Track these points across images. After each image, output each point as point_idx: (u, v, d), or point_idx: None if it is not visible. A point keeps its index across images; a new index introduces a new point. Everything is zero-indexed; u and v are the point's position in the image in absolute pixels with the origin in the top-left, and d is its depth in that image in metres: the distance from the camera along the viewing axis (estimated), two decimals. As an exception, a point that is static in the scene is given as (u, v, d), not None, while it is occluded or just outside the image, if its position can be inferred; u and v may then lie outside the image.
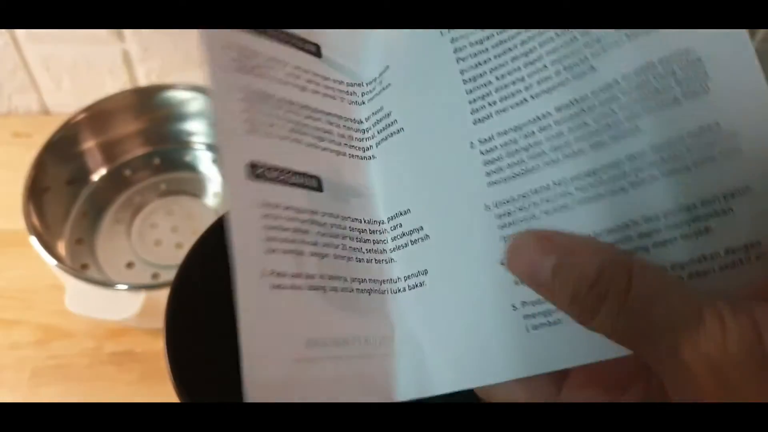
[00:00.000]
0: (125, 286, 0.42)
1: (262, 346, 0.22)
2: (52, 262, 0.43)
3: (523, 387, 0.22)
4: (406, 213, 0.25)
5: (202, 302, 0.37)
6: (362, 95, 0.27)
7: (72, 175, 0.53)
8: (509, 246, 0.21)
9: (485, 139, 0.23)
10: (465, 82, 0.24)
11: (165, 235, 0.53)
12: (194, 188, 0.56)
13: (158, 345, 0.32)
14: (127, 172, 0.56)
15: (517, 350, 0.22)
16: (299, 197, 0.24)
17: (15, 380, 0.44)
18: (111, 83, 0.59)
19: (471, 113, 0.24)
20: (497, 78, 0.24)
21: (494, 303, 0.22)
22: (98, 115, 0.53)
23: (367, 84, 0.28)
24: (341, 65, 0.28)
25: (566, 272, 0.19)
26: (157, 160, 0.57)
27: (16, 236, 0.49)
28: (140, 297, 0.41)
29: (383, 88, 0.27)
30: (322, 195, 0.24)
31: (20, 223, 0.45)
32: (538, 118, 0.22)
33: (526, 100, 0.23)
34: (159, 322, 0.34)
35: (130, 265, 0.51)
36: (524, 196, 0.22)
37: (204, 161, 0.57)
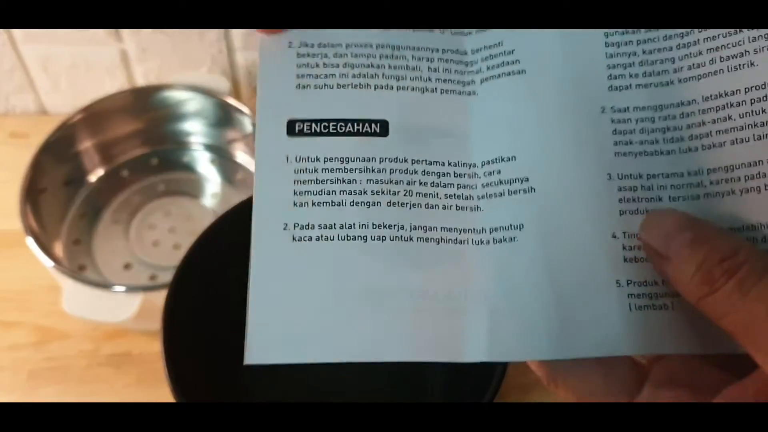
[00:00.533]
0: (123, 288, 0.42)
1: (273, 300, 0.21)
2: (49, 263, 0.43)
3: (602, 375, 0.22)
4: (510, 160, 0.23)
5: (199, 304, 0.37)
6: None
7: (69, 176, 0.53)
8: (648, 215, 0.21)
9: (620, 109, 0.23)
10: (607, 45, 0.23)
11: (163, 236, 0.52)
12: (192, 189, 0.55)
13: (156, 347, 0.32)
14: (125, 173, 0.56)
15: (615, 327, 0.21)
16: (350, 146, 0.23)
17: (12, 382, 0.44)
18: (109, 83, 0.58)
19: (608, 78, 0.23)
20: (644, 51, 0.23)
21: (597, 275, 0.21)
22: (95, 115, 0.52)
23: None
24: None
25: (700, 244, 0.19)
26: (155, 161, 0.56)
27: (13, 237, 0.49)
28: (137, 299, 0.41)
29: None
30: (385, 140, 0.23)
31: (17, 224, 0.45)
32: (683, 103, 0.22)
33: (672, 82, 0.22)
34: (156, 323, 0.34)
35: (127, 266, 0.51)
36: (653, 177, 0.22)
37: (202, 162, 0.57)
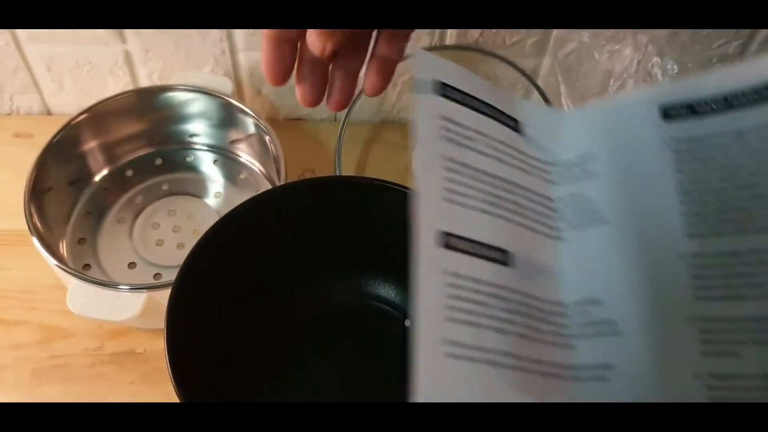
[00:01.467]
0: (127, 287, 0.42)
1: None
2: (53, 262, 0.43)
3: None
4: (597, 303, 0.24)
5: (202, 302, 0.37)
6: (555, 174, 0.27)
7: (74, 176, 0.53)
8: None
9: (697, 254, 0.23)
10: (681, 193, 0.24)
11: (167, 236, 0.53)
12: (196, 189, 0.56)
13: (159, 345, 0.32)
14: (129, 173, 0.56)
15: None
16: (485, 271, 0.24)
17: (16, 380, 0.44)
18: (113, 84, 0.59)
19: (683, 226, 0.24)
20: (718, 200, 0.24)
21: None
22: (99, 115, 0.53)
23: (561, 164, 0.28)
24: (538, 142, 0.28)
25: None
26: (158, 161, 0.57)
27: (18, 236, 0.50)
28: (141, 297, 0.41)
29: (586, 175, 0.27)
30: (509, 270, 0.24)
31: (22, 224, 0.45)
32: (759, 250, 0.22)
33: (746, 230, 0.23)
34: (160, 322, 0.34)
35: (131, 265, 0.51)
36: (733, 321, 0.22)
37: (205, 162, 0.57)
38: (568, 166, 0.27)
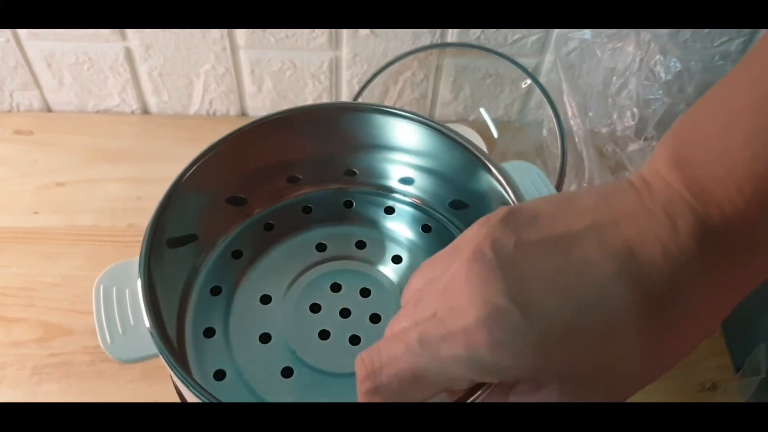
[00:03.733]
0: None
1: None
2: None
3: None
4: None
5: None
6: None
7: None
8: None
9: None
10: None
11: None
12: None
13: (159, 344, 0.32)
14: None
15: None
16: None
17: (16, 378, 0.44)
18: (113, 81, 0.58)
19: None
20: None
21: None
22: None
23: None
24: None
25: None
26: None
27: (18, 233, 0.49)
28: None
29: None
30: None
31: (21, 221, 0.45)
32: None
33: None
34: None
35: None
36: None
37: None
38: None
